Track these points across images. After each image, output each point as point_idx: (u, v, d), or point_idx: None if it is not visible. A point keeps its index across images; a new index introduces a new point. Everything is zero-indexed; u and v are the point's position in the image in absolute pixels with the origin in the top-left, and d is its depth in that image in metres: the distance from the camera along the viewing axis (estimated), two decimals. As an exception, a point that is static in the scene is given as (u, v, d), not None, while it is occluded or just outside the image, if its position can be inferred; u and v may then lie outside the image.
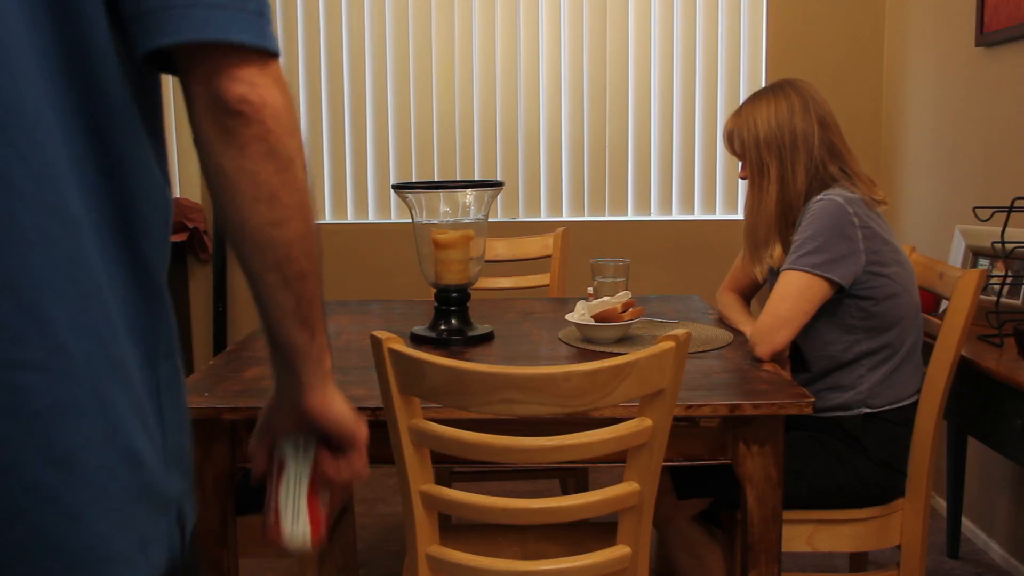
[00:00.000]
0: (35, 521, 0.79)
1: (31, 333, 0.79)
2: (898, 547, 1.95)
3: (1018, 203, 2.17)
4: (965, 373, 2.02)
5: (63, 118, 0.82)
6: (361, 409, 1.61)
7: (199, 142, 0.87)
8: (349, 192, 3.83)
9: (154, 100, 0.93)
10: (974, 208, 2.32)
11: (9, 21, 0.79)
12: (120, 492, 0.83)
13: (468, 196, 2.11)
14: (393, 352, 1.36)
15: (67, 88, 0.83)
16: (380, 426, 1.48)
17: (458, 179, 3.76)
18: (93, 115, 0.84)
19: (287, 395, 1.00)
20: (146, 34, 0.83)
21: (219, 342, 3.77)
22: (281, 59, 0.90)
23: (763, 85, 3.53)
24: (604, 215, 3.81)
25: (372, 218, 3.84)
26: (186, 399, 0.96)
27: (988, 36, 2.77)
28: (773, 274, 2.04)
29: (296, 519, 1.03)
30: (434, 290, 2.10)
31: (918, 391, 1.93)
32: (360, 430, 1.04)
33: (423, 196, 2.10)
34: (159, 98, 0.95)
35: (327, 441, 1.03)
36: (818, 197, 1.93)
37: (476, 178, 3.77)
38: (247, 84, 0.85)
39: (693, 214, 3.80)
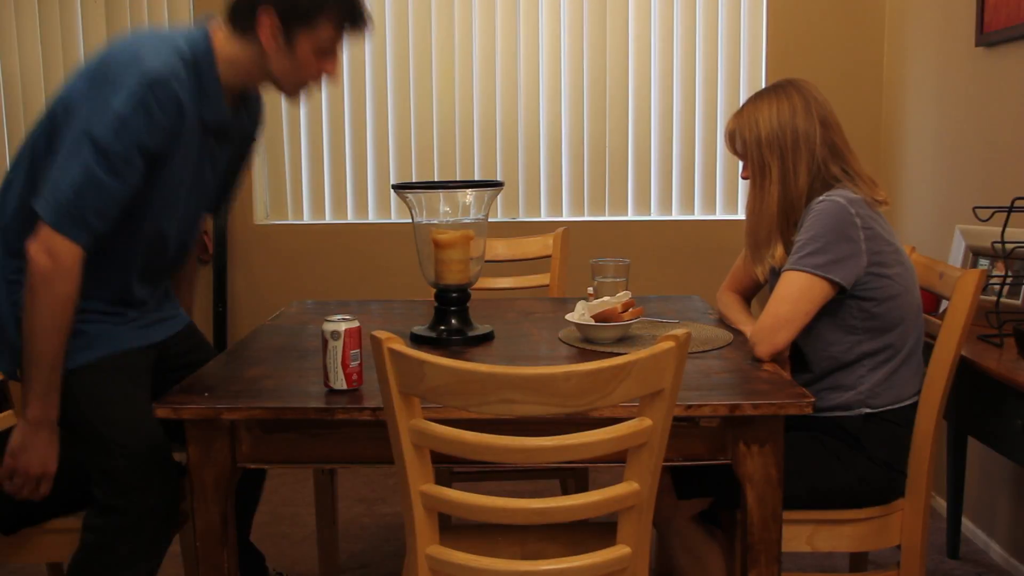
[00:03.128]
0: None
1: None
2: (898, 547, 1.95)
3: (1018, 203, 2.17)
4: (965, 373, 2.02)
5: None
6: (361, 409, 1.62)
7: None
8: (349, 192, 3.83)
9: None
10: (974, 208, 2.32)
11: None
12: None
13: (468, 196, 2.11)
14: (393, 352, 1.36)
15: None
16: (380, 426, 1.48)
17: (458, 179, 3.76)
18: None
19: None
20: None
21: (219, 342, 3.77)
22: None
23: (763, 85, 3.54)
24: (604, 215, 3.81)
25: (372, 218, 3.84)
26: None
27: (988, 36, 2.77)
28: (774, 274, 2.04)
29: (336, 375, 1.69)
30: (434, 290, 2.11)
31: (919, 391, 1.93)
32: (5, 464, 1.76)
33: (423, 196, 2.10)
34: None
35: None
36: (820, 198, 1.93)
37: (476, 178, 3.77)
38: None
39: (693, 214, 3.80)
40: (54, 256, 1.68)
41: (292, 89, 1.87)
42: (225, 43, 1.81)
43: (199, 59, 1.78)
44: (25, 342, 1.73)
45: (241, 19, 1.80)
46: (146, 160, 1.73)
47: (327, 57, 1.84)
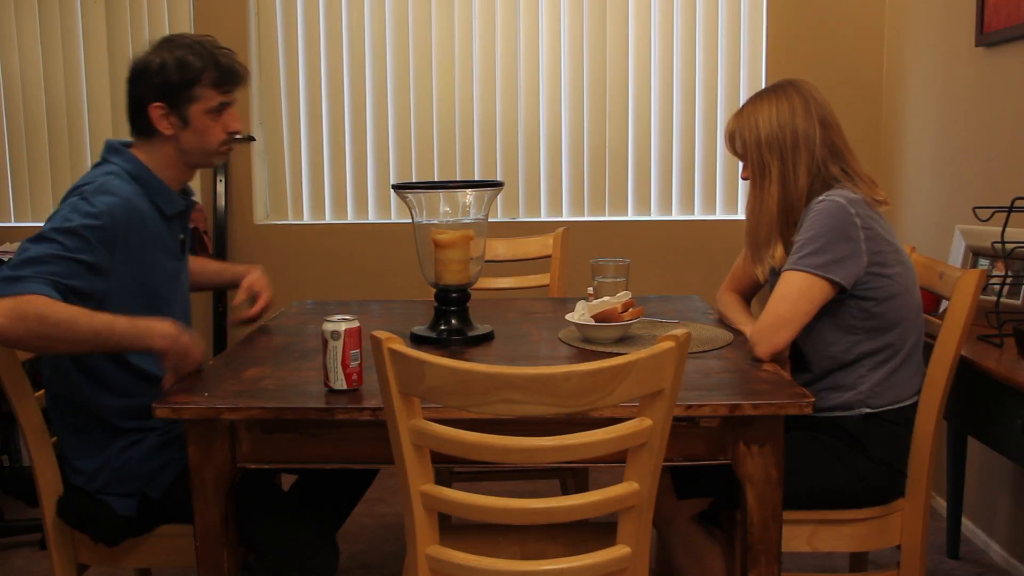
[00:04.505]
0: None
1: None
2: (898, 547, 1.95)
3: (1018, 203, 2.17)
4: (965, 373, 2.02)
5: None
6: (361, 409, 1.62)
7: None
8: (349, 192, 3.83)
9: None
10: (974, 208, 2.32)
11: None
12: None
13: (468, 196, 2.11)
14: (393, 352, 1.36)
15: None
16: (380, 426, 1.48)
17: (458, 179, 3.76)
18: None
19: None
20: None
21: (219, 342, 3.77)
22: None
23: (763, 85, 3.53)
24: (604, 215, 3.81)
25: (372, 218, 3.84)
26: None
27: (988, 36, 2.77)
28: (774, 274, 2.04)
29: (336, 375, 1.69)
30: (434, 290, 2.11)
31: (919, 391, 1.93)
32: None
33: (423, 196, 2.10)
34: None
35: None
36: (820, 198, 1.93)
37: (476, 178, 3.77)
38: None
39: (693, 214, 3.80)
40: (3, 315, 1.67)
41: (209, 156, 2.00)
42: (146, 153, 1.96)
43: (134, 171, 1.93)
44: (93, 339, 1.73)
45: (140, 124, 1.96)
46: (107, 246, 1.80)
47: (224, 116, 1.98)
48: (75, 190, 1.86)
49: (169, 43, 1.94)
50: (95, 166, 1.98)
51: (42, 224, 1.83)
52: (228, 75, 1.95)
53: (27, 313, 1.66)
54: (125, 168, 1.93)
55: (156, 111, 1.91)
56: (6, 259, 3.27)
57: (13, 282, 1.69)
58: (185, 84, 1.91)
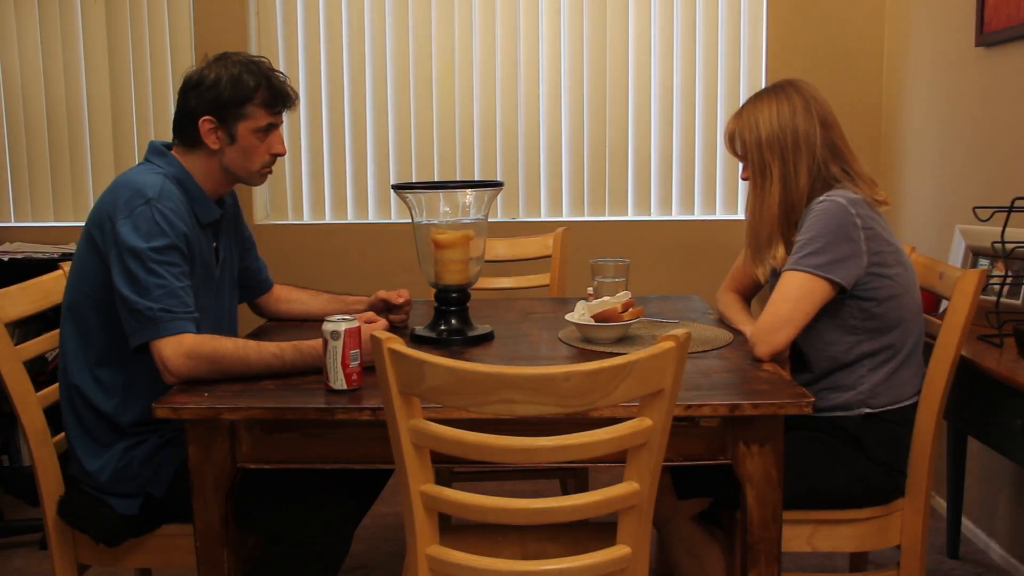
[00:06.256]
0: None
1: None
2: (898, 547, 1.95)
3: (1018, 203, 2.17)
4: (965, 373, 2.02)
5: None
6: (361, 409, 1.62)
7: None
8: (349, 192, 3.83)
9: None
10: (974, 208, 2.32)
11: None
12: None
13: (468, 196, 2.11)
14: (393, 352, 1.36)
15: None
16: (380, 426, 1.48)
17: (458, 179, 3.76)
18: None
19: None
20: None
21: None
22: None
23: (763, 85, 3.53)
24: (604, 215, 3.81)
25: (372, 218, 3.84)
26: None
27: (988, 36, 2.77)
28: (775, 275, 2.04)
29: (336, 375, 1.70)
30: (434, 290, 2.11)
31: (919, 391, 1.93)
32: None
33: (423, 196, 2.10)
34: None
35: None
36: (821, 198, 1.93)
37: (476, 178, 3.77)
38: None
39: (693, 214, 3.80)
40: (176, 357, 1.78)
41: (251, 175, 2.04)
42: (187, 160, 2.01)
43: (178, 175, 1.98)
44: (264, 372, 1.82)
45: (187, 135, 1.99)
46: (180, 252, 1.88)
47: (269, 137, 2.03)
48: (138, 194, 1.87)
49: (224, 59, 1.99)
50: (139, 165, 2.02)
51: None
52: (279, 96, 2.01)
53: (201, 355, 1.78)
54: (171, 172, 1.97)
55: (205, 124, 1.96)
56: (6, 259, 3.27)
57: (155, 323, 1.79)
58: (237, 101, 1.96)
